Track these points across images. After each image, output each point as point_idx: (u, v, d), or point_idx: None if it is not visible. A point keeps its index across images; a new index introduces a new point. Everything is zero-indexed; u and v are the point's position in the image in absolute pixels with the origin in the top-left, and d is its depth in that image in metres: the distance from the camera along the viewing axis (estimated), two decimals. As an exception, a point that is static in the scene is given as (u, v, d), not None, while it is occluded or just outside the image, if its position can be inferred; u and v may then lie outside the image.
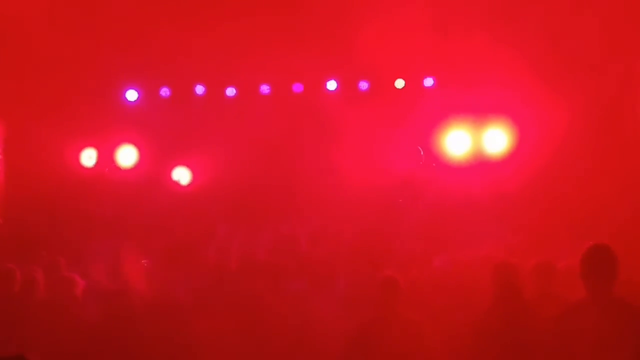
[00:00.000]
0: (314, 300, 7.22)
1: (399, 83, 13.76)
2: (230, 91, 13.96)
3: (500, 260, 6.89)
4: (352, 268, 8.43)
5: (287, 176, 13.39)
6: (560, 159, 12.00)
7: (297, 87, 13.93)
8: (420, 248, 9.97)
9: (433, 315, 6.60)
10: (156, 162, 13.42)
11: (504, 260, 6.91)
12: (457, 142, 13.20)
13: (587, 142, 12.40)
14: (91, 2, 13.02)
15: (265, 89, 13.94)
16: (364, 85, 13.92)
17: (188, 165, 13.46)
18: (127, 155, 13.54)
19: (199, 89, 13.90)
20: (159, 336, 6.78)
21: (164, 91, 13.89)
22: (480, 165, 13.12)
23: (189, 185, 13.47)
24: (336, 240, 10.87)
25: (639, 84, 12.81)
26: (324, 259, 9.13)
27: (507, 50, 12.30)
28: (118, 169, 13.54)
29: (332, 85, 13.88)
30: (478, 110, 13.04)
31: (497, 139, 13.07)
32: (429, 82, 13.72)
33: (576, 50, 12.54)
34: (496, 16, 12.68)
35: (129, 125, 13.38)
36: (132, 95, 13.86)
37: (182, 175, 13.48)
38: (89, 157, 13.48)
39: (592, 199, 11.52)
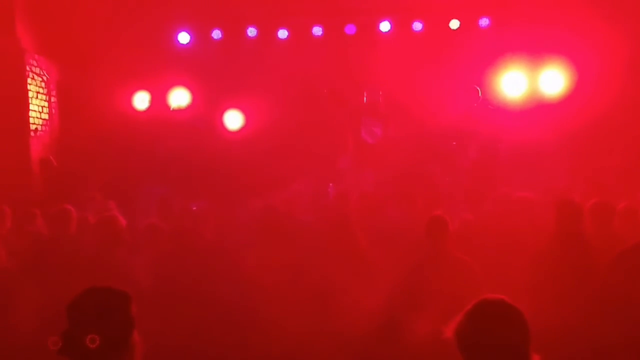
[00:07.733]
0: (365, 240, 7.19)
1: (454, 24, 13.48)
2: (282, 33, 13.84)
3: (565, 198, 6.78)
4: (403, 209, 8.39)
5: (339, 118, 13.31)
6: (618, 101, 11.70)
7: (350, 29, 13.73)
8: (473, 189, 9.88)
9: (484, 255, 6.54)
10: (208, 104, 13.45)
11: (568, 198, 6.80)
12: (513, 83, 12.99)
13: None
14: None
15: (317, 30, 13.78)
16: (417, 26, 13.66)
17: (240, 108, 13.45)
18: (179, 98, 13.60)
19: (251, 31, 13.81)
20: (209, 277, 6.81)
21: (216, 33, 13.85)
22: (536, 106, 12.90)
23: (240, 128, 13.48)
24: (389, 181, 10.84)
25: None
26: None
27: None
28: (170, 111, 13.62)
29: (385, 26, 13.64)
30: (534, 51, 12.77)
31: (553, 80, 12.85)
32: (484, 22, 13.42)
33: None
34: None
35: (181, 68, 13.40)
36: (184, 37, 13.85)
37: (233, 118, 13.48)
38: (141, 100, 13.59)
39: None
